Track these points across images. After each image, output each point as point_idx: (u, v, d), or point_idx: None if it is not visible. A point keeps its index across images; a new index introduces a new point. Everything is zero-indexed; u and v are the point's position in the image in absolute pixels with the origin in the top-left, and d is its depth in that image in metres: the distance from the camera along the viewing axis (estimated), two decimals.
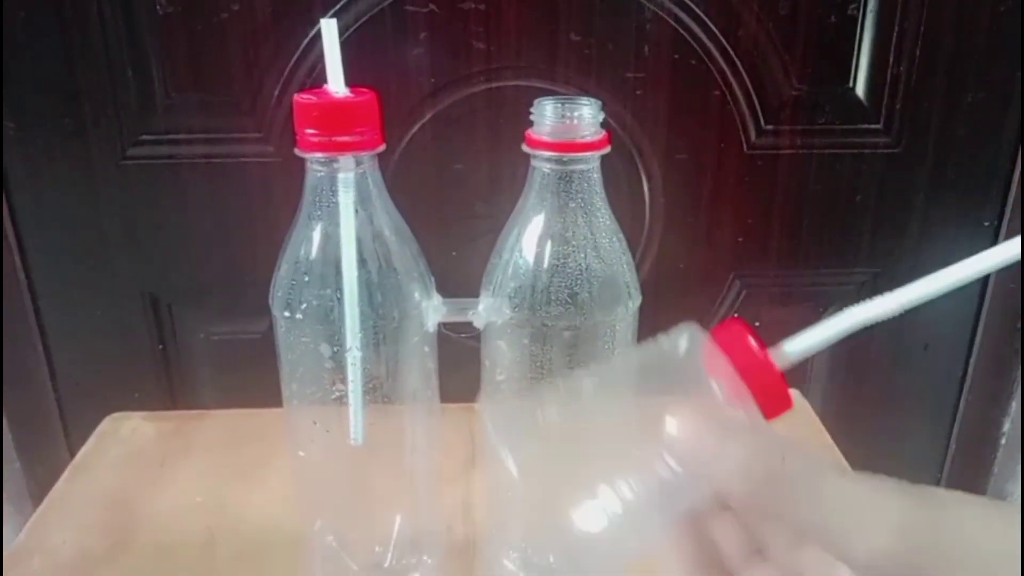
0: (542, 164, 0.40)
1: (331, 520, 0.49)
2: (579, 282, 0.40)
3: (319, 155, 0.39)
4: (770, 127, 0.75)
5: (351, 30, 0.69)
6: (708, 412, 0.25)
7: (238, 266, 0.77)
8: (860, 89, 0.74)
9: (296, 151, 0.40)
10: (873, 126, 0.76)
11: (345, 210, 0.40)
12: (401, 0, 0.68)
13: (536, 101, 0.40)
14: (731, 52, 0.72)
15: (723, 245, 0.78)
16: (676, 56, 0.72)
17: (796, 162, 0.76)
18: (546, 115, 0.40)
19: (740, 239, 0.78)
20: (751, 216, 0.78)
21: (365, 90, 0.40)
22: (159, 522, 0.56)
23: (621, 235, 0.41)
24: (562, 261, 0.40)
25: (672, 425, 0.25)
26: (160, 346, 0.80)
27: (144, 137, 0.72)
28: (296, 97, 0.39)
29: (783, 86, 0.73)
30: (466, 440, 0.64)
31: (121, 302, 0.78)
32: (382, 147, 0.40)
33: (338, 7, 0.68)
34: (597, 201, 0.41)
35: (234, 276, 0.77)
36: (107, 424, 0.67)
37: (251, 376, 0.81)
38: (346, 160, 0.39)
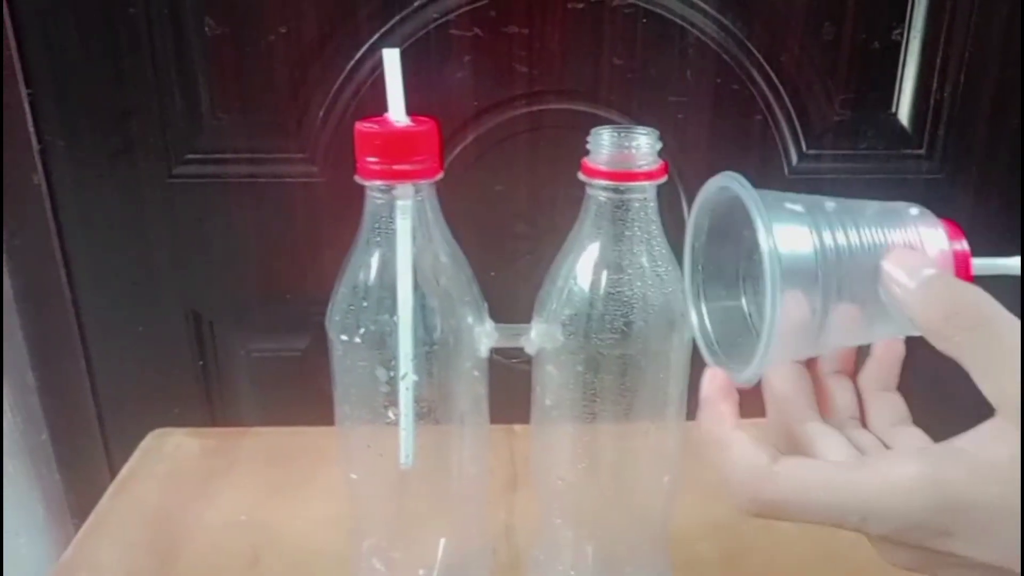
0: (598, 192, 0.40)
1: (378, 542, 0.49)
2: (634, 310, 0.40)
3: (379, 183, 0.40)
4: (812, 151, 0.75)
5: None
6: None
7: (279, 284, 0.77)
8: (903, 115, 0.74)
9: (356, 178, 0.40)
10: (916, 152, 0.75)
11: (402, 237, 0.40)
12: (446, 24, 0.69)
13: (593, 130, 0.41)
14: (774, 77, 0.72)
15: None
16: (718, 80, 0.72)
17: (838, 187, 0.76)
18: (603, 144, 0.40)
19: None
20: None
21: (425, 119, 0.40)
22: (204, 540, 0.56)
23: (676, 264, 0.41)
24: (618, 289, 0.40)
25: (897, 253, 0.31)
26: (200, 362, 0.81)
27: (190, 156, 0.73)
28: (357, 125, 0.40)
29: (826, 111, 0.73)
30: (507, 462, 0.64)
31: (163, 318, 0.79)
32: (440, 175, 0.41)
33: (383, 31, 0.69)
34: (653, 229, 0.41)
35: (275, 294, 0.78)
36: (150, 440, 0.67)
37: (290, 393, 0.82)
38: (404, 188, 0.40)
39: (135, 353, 0.80)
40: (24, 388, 0.81)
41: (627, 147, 0.40)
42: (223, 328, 0.80)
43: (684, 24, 0.70)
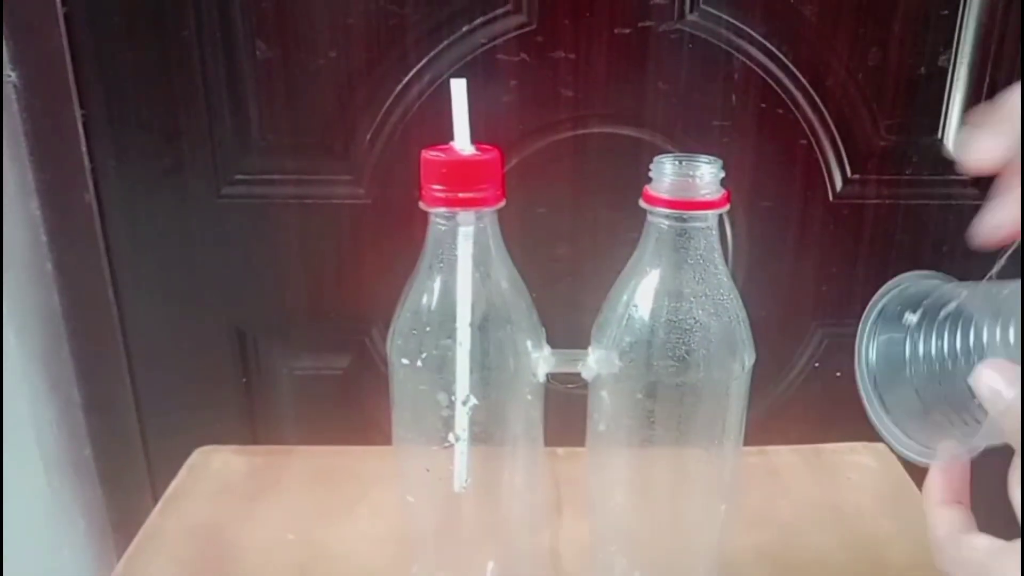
0: (659, 220, 0.41)
1: (427, 564, 0.49)
2: (694, 339, 0.41)
3: (443, 210, 0.40)
4: (856, 176, 0.74)
5: (442, 78, 0.70)
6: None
7: (323, 303, 0.78)
8: (949, 140, 0.74)
9: (420, 205, 0.41)
10: (961, 177, 0.75)
11: (463, 263, 0.41)
12: (493, 49, 0.70)
13: (656, 158, 0.41)
14: (819, 102, 0.72)
15: (806, 294, 0.78)
16: (763, 105, 0.72)
17: (882, 212, 0.76)
18: (665, 172, 0.40)
19: (823, 288, 0.78)
20: (835, 265, 0.77)
21: (489, 147, 0.41)
22: (252, 559, 0.57)
23: (736, 292, 0.42)
24: (678, 317, 0.41)
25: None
26: (243, 379, 0.82)
27: (239, 176, 0.74)
28: (424, 153, 0.40)
29: (871, 136, 0.73)
30: (551, 486, 0.64)
31: (208, 335, 0.80)
32: (503, 203, 0.41)
33: (431, 55, 0.70)
34: (714, 258, 0.41)
35: (319, 313, 0.79)
36: (197, 457, 0.68)
37: (330, 411, 0.82)
38: (467, 215, 0.40)
39: (179, 370, 0.81)
40: (69, 403, 0.82)
41: (690, 176, 0.40)
42: (266, 346, 0.81)
43: (729, 49, 0.70)
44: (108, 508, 0.86)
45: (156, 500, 0.64)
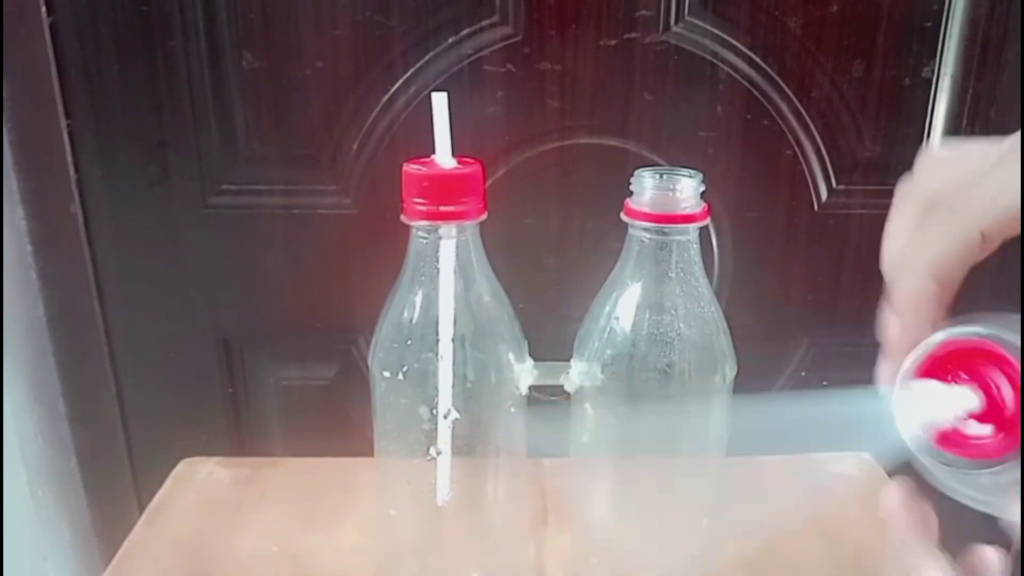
0: (640, 233, 0.41)
1: None
2: (676, 351, 0.41)
3: (425, 223, 0.40)
4: (841, 187, 0.75)
5: (428, 88, 0.71)
6: None
7: (309, 313, 0.78)
8: None
9: (402, 218, 0.41)
10: None
11: (445, 276, 0.41)
12: (479, 60, 0.70)
13: (636, 172, 0.41)
14: (804, 112, 0.72)
15: (792, 303, 0.78)
16: (748, 116, 0.72)
17: (867, 222, 0.76)
18: (646, 185, 0.41)
19: (809, 298, 0.78)
20: (821, 275, 0.77)
21: (471, 161, 0.41)
22: (237, 571, 0.56)
23: (717, 305, 0.42)
24: (660, 330, 0.41)
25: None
26: (230, 389, 0.81)
27: (225, 187, 0.74)
28: (405, 167, 0.40)
29: (855, 146, 0.74)
30: (536, 497, 0.64)
31: (194, 345, 0.80)
32: (484, 216, 0.41)
33: (417, 66, 0.70)
34: (695, 270, 0.41)
35: (305, 322, 0.79)
36: (182, 468, 0.68)
37: (317, 421, 0.82)
38: (448, 228, 0.40)
39: (165, 380, 0.81)
40: (54, 414, 0.81)
41: (670, 189, 0.40)
42: (253, 356, 0.81)
43: (715, 60, 0.71)
44: (93, 519, 0.86)
45: (141, 511, 0.63)
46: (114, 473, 0.84)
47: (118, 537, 0.61)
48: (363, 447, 0.81)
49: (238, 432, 0.83)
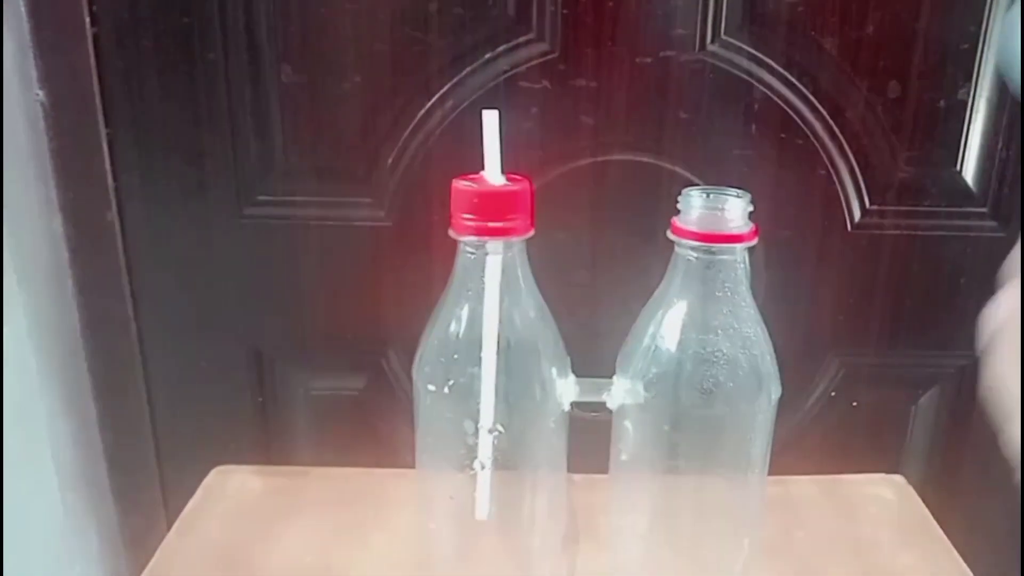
0: (687, 252, 0.41)
1: None
2: (722, 372, 0.41)
3: (472, 238, 0.41)
4: (874, 207, 0.75)
5: (465, 103, 0.71)
6: None
7: (341, 324, 0.79)
8: (968, 173, 0.74)
9: (450, 233, 0.41)
10: (979, 209, 0.75)
11: (490, 292, 0.41)
12: (515, 76, 0.71)
13: (684, 191, 0.41)
14: (838, 132, 0.72)
15: (823, 323, 0.78)
16: (783, 135, 0.72)
17: (900, 243, 0.76)
18: (693, 204, 0.41)
19: (840, 318, 0.78)
20: (852, 295, 0.77)
21: (519, 177, 0.41)
22: None
23: (764, 326, 0.42)
24: (706, 349, 0.41)
25: None
26: (260, 399, 0.82)
27: (261, 197, 0.75)
28: (455, 183, 0.41)
29: (890, 167, 0.74)
30: (569, 514, 0.64)
31: (226, 355, 0.80)
32: (532, 232, 0.42)
33: (454, 82, 0.71)
34: (742, 290, 0.41)
35: (336, 333, 0.79)
36: (214, 477, 0.68)
37: (345, 432, 0.83)
38: (496, 244, 0.41)
39: (196, 388, 0.82)
40: (86, 420, 0.82)
41: (718, 209, 0.40)
42: (283, 365, 0.81)
43: (750, 79, 0.71)
44: (121, 526, 0.86)
45: (169, 518, 0.64)
46: (143, 480, 0.85)
47: (145, 544, 0.61)
48: (390, 458, 0.82)
49: (267, 441, 0.83)
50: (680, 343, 0.41)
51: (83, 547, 0.83)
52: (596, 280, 0.77)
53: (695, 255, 0.41)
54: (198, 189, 0.75)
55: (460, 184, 0.40)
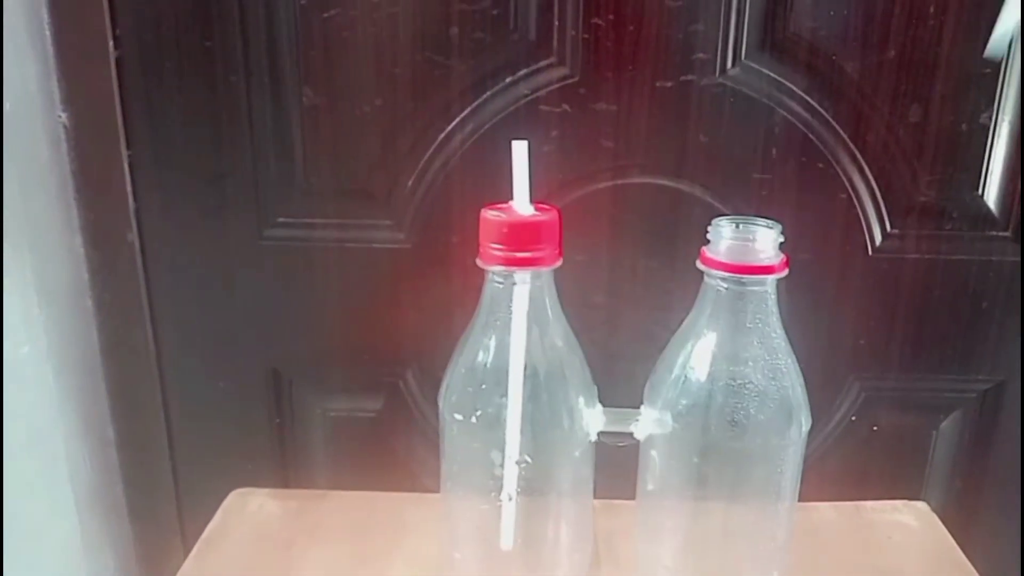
0: (717, 283, 0.41)
1: None
2: (752, 403, 0.40)
3: (500, 268, 0.40)
4: (895, 231, 0.74)
5: (485, 127, 0.71)
6: None
7: (359, 346, 0.78)
8: (990, 197, 0.74)
9: (478, 262, 0.41)
10: (1002, 234, 0.75)
11: (517, 322, 0.41)
12: (536, 100, 0.71)
13: (714, 220, 0.41)
14: (859, 156, 0.72)
15: (843, 346, 0.78)
16: (803, 159, 0.72)
17: (921, 267, 0.75)
18: (723, 235, 0.41)
19: (861, 341, 0.77)
20: (873, 319, 0.77)
21: (548, 207, 0.41)
22: None
23: (794, 356, 0.42)
24: (736, 381, 0.41)
25: None
26: (277, 420, 0.82)
27: (282, 219, 0.75)
28: (483, 212, 0.40)
29: (911, 191, 0.73)
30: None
31: (244, 375, 0.80)
32: (559, 263, 0.41)
33: (474, 105, 0.71)
34: (772, 321, 0.41)
35: (354, 354, 0.79)
36: (233, 499, 0.68)
37: (363, 453, 0.82)
38: (524, 274, 0.41)
39: (213, 409, 0.81)
40: (103, 441, 0.82)
41: (748, 240, 0.40)
42: (301, 386, 0.81)
43: (771, 103, 0.71)
44: (137, 547, 0.86)
45: (185, 540, 0.63)
46: (159, 501, 0.85)
47: (161, 566, 0.61)
48: (406, 480, 0.81)
49: (283, 462, 0.83)
50: (710, 374, 0.41)
51: (99, 568, 0.82)
52: (614, 302, 0.76)
53: (725, 286, 0.40)
54: (218, 211, 0.75)
55: (489, 214, 0.40)
